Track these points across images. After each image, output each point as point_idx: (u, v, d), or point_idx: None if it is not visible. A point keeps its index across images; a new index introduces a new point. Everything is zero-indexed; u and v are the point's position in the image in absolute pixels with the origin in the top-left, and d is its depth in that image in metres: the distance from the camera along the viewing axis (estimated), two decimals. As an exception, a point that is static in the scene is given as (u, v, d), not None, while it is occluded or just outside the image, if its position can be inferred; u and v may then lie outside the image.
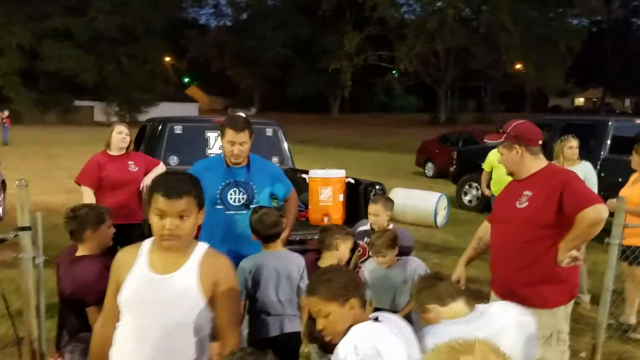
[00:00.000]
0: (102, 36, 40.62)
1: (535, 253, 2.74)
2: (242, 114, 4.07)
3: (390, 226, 3.79)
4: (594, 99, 59.99)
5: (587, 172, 5.37)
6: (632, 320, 4.86)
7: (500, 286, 2.94)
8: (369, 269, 3.48)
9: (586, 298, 5.43)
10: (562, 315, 2.85)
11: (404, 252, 3.52)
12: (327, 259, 3.17)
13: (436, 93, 42.59)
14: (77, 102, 43.64)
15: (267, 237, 3.03)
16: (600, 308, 4.21)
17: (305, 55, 48.22)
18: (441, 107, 41.95)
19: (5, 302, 3.21)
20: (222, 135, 3.33)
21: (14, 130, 23.77)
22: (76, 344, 2.73)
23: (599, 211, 2.58)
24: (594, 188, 5.32)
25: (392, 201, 3.97)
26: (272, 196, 3.60)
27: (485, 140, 3.01)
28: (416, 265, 3.41)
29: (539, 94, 47.73)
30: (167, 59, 51.37)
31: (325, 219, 4.93)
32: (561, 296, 2.83)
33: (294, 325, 3.01)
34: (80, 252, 2.75)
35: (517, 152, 2.84)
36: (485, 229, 3.16)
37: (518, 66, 38.20)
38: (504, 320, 2.12)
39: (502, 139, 2.87)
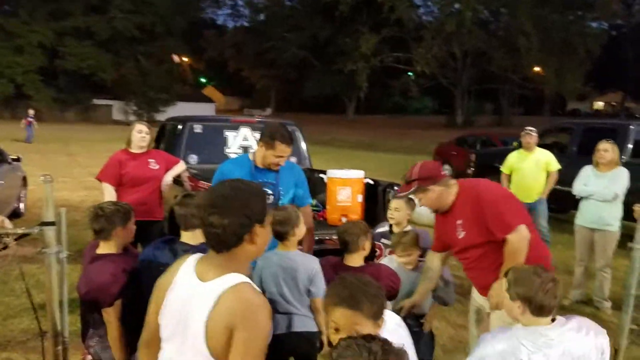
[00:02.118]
0: (121, 35, 41.08)
1: (490, 260, 2.88)
2: (269, 119, 4.08)
3: (409, 227, 3.76)
4: (613, 103, 59.18)
5: (616, 177, 5.27)
6: None
7: (478, 288, 3.12)
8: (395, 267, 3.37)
9: (607, 304, 5.36)
10: None
11: (423, 254, 3.49)
12: (354, 260, 3.01)
13: (453, 95, 42.35)
14: (96, 101, 44.19)
15: (273, 233, 3.00)
16: (622, 313, 4.15)
17: (321, 56, 48.26)
18: (458, 110, 41.69)
19: (29, 296, 3.25)
20: (269, 145, 3.36)
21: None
22: (100, 338, 2.76)
23: (520, 237, 2.75)
24: (616, 194, 5.23)
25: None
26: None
27: (398, 194, 3.14)
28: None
29: (557, 98, 47.16)
30: (185, 59, 51.76)
31: (343, 219, 4.93)
32: None
33: (306, 325, 2.95)
34: (102, 249, 2.77)
35: (433, 191, 2.96)
36: (430, 259, 3.25)
37: (537, 69, 37.85)
38: (584, 340, 2.07)
39: (415, 187, 2.96)
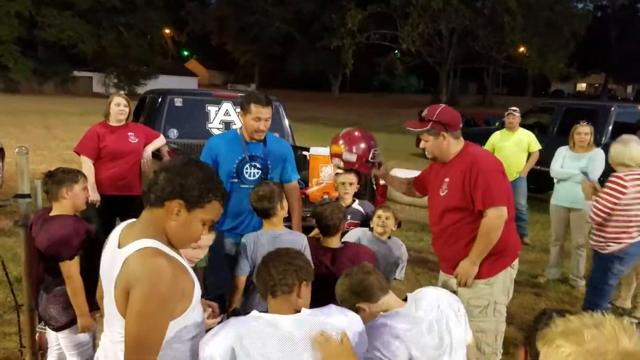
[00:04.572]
0: (102, 6, 40.06)
1: (464, 232, 2.90)
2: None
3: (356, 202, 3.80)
4: (596, 85, 59.70)
5: (593, 158, 5.33)
6: (628, 304, 4.90)
7: (444, 265, 3.14)
8: (369, 240, 3.38)
9: (582, 282, 5.47)
10: (500, 285, 2.95)
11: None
12: (333, 242, 3.01)
13: (438, 74, 42.31)
14: (76, 73, 43.21)
15: (256, 210, 2.99)
16: (596, 292, 4.24)
17: (306, 31, 47.65)
18: (443, 89, 41.71)
19: (4, 269, 3.21)
20: (245, 111, 3.38)
21: (12, 99, 23.59)
22: (54, 299, 2.78)
23: (499, 215, 2.79)
24: (596, 175, 5.29)
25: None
26: None
27: (407, 127, 3.08)
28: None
29: (541, 78, 47.36)
30: (167, 31, 50.79)
31: (326, 197, 4.92)
32: (497, 265, 2.93)
33: None
34: (55, 212, 2.82)
35: (444, 138, 2.94)
36: (402, 182, 3.53)
37: (521, 49, 37.88)
38: (437, 301, 2.09)
39: (429, 127, 2.93)
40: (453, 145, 2.96)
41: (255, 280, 1.98)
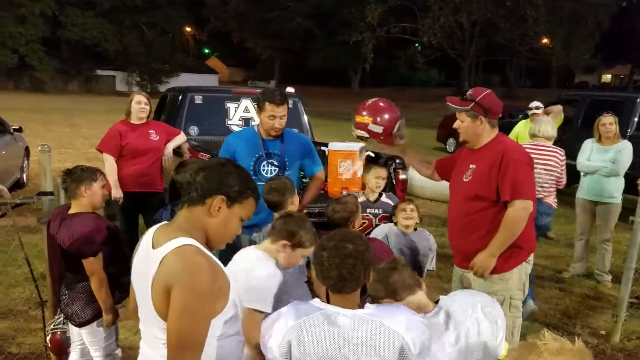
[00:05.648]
0: (124, 5, 40.57)
1: (482, 223, 2.83)
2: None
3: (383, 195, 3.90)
4: (622, 76, 58.40)
5: (620, 150, 5.22)
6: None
7: (458, 258, 3.06)
8: (396, 235, 3.42)
9: (608, 277, 5.37)
10: (515, 280, 2.90)
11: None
12: None
13: (460, 67, 41.85)
14: (99, 72, 43.90)
15: (267, 202, 3.00)
16: (621, 286, 4.17)
17: (326, 27, 47.57)
18: (464, 82, 41.23)
19: (29, 266, 3.27)
20: (261, 109, 3.40)
21: (37, 98, 24.03)
22: (76, 295, 2.82)
23: (525, 207, 2.73)
24: (623, 168, 5.19)
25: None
26: (300, 170, 3.63)
27: (448, 103, 2.98)
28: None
29: (565, 70, 46.55)
30: (188, 29, 51.17)
31: (344, 192, 4.91)
32: (512, 261, 2.87)
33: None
34: (74, 209, 2.85)
35: (480, 122, 2.86)
36: (424, 162, 3.45)
37: (545, 41, 37.26)
38: (463, 320, 1.94)
39: (469, 107, 2.84)
40: (487, 132, 2.88)
41: (315, 267, 1.81)
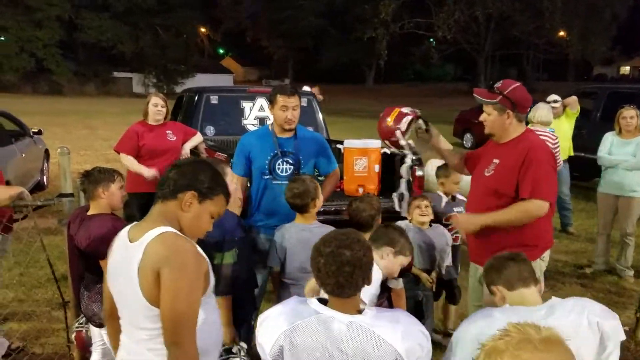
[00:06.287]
0: (138, 7, 40.92)
1: (505, 229, 2.76)
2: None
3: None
4: (641, 67, 57.46)
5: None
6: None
7: (474, 254, 2.99)
8: (413, 232, 3.39)
9: (630, 272, 5.29)
10: None
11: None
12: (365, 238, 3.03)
13: (475, 61, 41.48)
14: (116, 74, 44.33)
15: (292, 206, 3.01)
16: (645, 282, 4.09)
17: (339, 24, 47.52)
18: (480, 76, 40.86)
19: (51, 267, 3.32)
20: (273, 103, 3.40)
21: (56, 101, 24.33)
22: (95, 296, 2.84)
23: (540, 207, 2.68)
24: None
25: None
26: (315, 168, 3.62)
27: (474, 94, 2.90)
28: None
29: (582, 63, 45.87)
30: (202, 30, 51.44)
31: (360, 190, 4.89)
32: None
33: None
34: (93, 211, 2.88)
35: (508, 116, 2.78)
36: (455, 154, 3.35)
37: (561, 33, 36.76)
38: (576, 320, 1.85)
39: (496, 100, 2.77)
40: (514, 126, 2.81)
41: (313, 270, 1.73)
